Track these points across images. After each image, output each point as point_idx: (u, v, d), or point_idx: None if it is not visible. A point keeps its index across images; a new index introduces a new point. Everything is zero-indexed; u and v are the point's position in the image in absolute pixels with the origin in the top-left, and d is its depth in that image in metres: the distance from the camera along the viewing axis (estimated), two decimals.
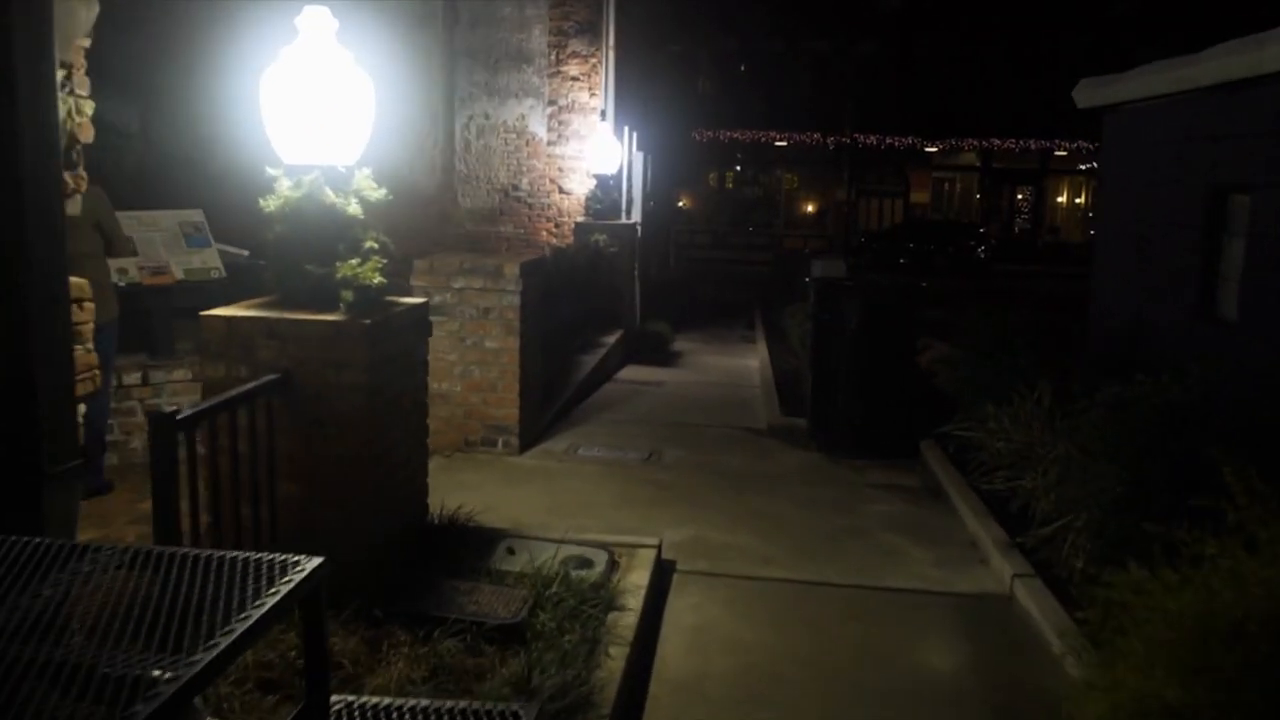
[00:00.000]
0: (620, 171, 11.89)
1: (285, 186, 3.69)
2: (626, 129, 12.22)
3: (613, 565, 4.13)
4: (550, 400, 7.18)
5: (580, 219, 11.59)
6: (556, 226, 12.13)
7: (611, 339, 9.92)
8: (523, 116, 12.05)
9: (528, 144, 12.12)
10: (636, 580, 3.95)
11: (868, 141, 34.05)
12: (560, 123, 12.02)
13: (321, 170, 3.67)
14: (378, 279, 3.64)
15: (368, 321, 3.52)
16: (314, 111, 3.54)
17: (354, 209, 3.72)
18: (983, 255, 29.50)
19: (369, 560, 3.62)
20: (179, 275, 5.79)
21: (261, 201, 3.74)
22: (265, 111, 3.59)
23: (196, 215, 6.05)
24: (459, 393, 6.04)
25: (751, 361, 10.95)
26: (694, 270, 22.38)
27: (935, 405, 7.04)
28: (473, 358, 6.02)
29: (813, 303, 7.18)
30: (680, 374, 10.03)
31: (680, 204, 29.65)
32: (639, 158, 12.21)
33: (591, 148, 11.80)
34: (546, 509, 5.09)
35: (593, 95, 11.89)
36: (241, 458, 3.35)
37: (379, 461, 3.71)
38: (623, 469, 5.99)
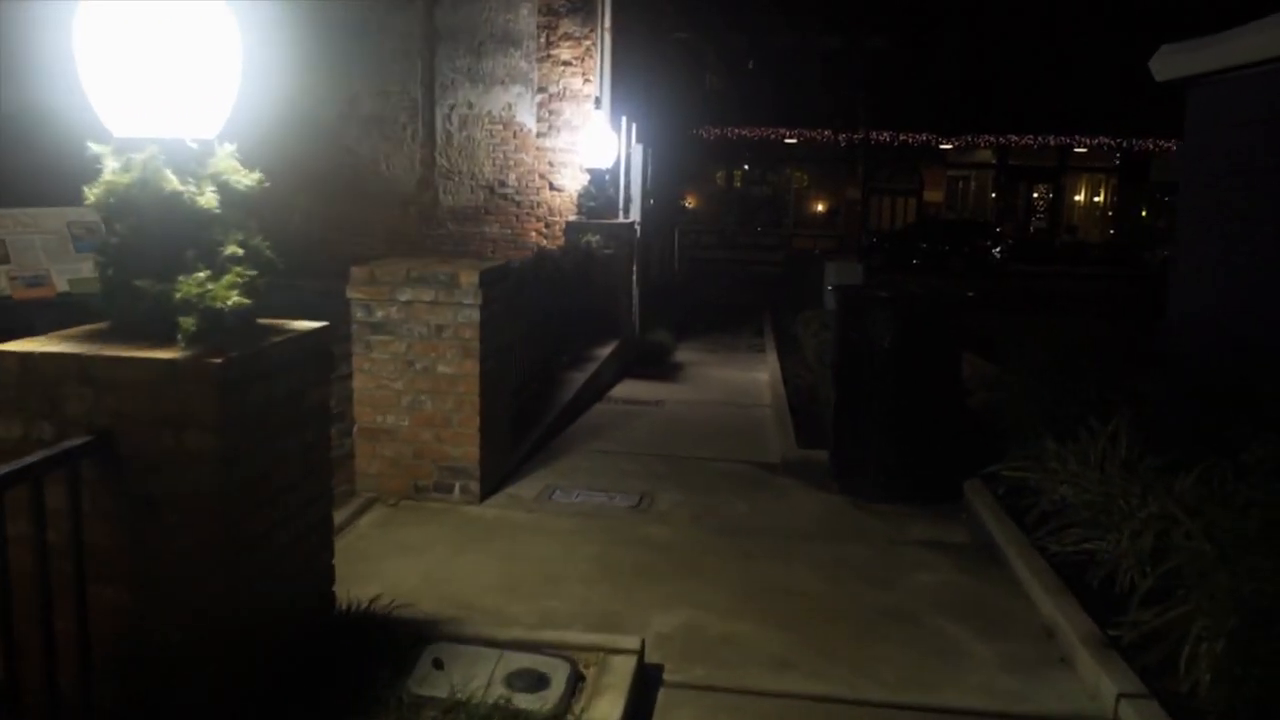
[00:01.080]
0: (617, 165, 10.80)
1: (111, 169, 2.64)
2: (624, 119, 11.14)
3: (576, 681, 3.06)
4: (526, 430, 6.11)
5: (573, 218, 10.51)
6: (547, 226, 11.07)
7: (605, 351, 8.86)
8: (509, 105, 11.00)
9: (515, 135, 11.06)
10: (606, 711, 2.88)
11: (880, 138, 32.98)
12: (551, 112, 10.96)
13: (162, 145, 2.62)
14: (235, 298, 2.58)
15: (217, 360, 2.46)
16: (151, 62, 2.49)
17: (208, 200, 2.65)
18: (998, 256, 28.55)
19: (231, 695, 2.57)
20: (61, 287, 4.74)
21: (85, 190, 2.70)
22: (81, 62, 2.54)
23: (89, 214, 4.99)
24: (406, 428, 4.97)
25: (761, 375, 9.87)
26: (699, 271, 21.38)
27: (980, 437, 5.97)
28: (423, 385, 4.95)
29: (836, 316, 6.10)
30: (682, 391, 8.96)
31: (685, 203, 28.60)
32: (638, 150, 11.13)
33: (585, 139, 10.73)
34: (502, 585, 4.02)
35: (586, 81, 10.82)
36: (29, 554, 2.30)
37: (247, 553, 2.65)
38: (605, 521, 4.92)
